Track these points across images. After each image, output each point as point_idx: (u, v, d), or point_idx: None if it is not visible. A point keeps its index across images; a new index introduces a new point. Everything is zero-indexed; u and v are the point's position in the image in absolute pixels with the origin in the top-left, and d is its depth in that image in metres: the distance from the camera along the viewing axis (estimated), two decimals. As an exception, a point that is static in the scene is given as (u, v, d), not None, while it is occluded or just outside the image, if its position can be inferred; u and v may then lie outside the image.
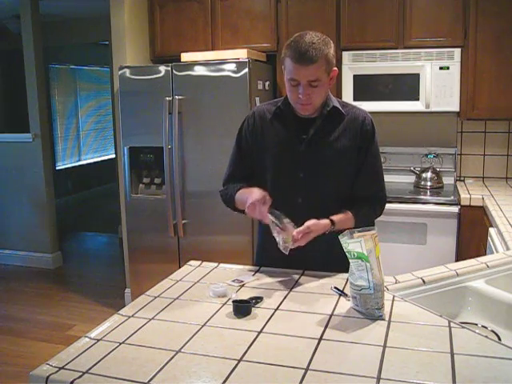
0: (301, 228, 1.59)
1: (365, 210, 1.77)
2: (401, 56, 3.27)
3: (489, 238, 2.48)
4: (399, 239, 3.12)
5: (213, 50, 3.60)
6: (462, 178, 3.62)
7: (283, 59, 1.69)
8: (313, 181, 1.77)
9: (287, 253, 1.59)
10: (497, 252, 2.16)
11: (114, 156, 6.76)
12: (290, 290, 1.58)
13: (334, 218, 1.68)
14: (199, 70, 3.20)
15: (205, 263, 1.86)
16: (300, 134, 1.77)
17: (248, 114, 1.90)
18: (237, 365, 1.13)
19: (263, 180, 1.82)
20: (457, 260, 2.95)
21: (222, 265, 1.84)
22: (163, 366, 1.13)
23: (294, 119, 1.79)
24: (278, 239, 1.60)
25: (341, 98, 3.26)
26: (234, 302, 1.43)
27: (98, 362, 1.15)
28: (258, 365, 1.13)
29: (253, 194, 1.63)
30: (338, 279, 1.64)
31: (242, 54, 3.20)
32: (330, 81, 1.72)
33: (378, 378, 1.06)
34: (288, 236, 1.58)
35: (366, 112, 1.81)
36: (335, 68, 1.71)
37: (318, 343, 1.23)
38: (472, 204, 3.02)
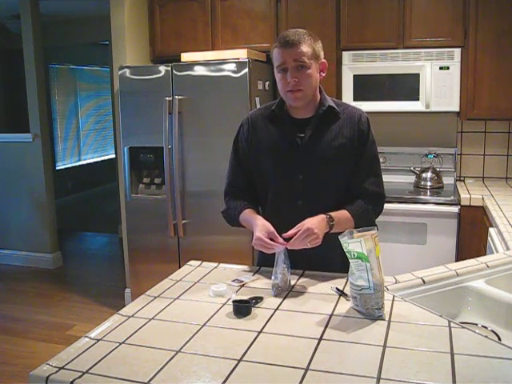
0: (290, 232, 1.58)
1: (362, 207, 1.74)
2: (401, 56, 3.27)
3: (489, 238, 2.48)
4: (399, 239, 3.12)
5: (213, 49, 3.59)
6: (462, 178, 3.62)
7: (271, 53, 1.72)
8: (312, 182, 1.76)
9: (274, 294, 1.54)
10: (497, 252, 2.16)
11: (114, 156, 6.76)
12: (290, 290, 1.58)
13: (330, 213, 1.66)
14: (199, 70, 3.20)
15: (205, 263, 1.86)
16: (297, 135, 1.76)
17: (242, 121, 1.88)
18: (237, 365, 1.13)
19: (262, 185, 1.83)
20: (457, 260, 2.95)
21: (221, 265, 1.84)
22: (163, 366, 1.13)
23: (289, 121, 1.78)
24: (277, 278, 1.55)
25: (341, 98, 3.28)
26: (234, 302, 1.43)
27: (98, 362, 1.15)
28: (258, 365, 1.13)
29: (257, 227, 1.64)
30: (338, 279, 1.64)
31: (241, 53, 3.20)
32: (321, 73, 1.74)
33: (378, 378, 1.06)
34: (286, 279, 1.57)
35: (361, 110, 1.80)
36: (324, 60, 1.74)
37: (318, 343, 1.23)
38: (472, 204, 3.02)
